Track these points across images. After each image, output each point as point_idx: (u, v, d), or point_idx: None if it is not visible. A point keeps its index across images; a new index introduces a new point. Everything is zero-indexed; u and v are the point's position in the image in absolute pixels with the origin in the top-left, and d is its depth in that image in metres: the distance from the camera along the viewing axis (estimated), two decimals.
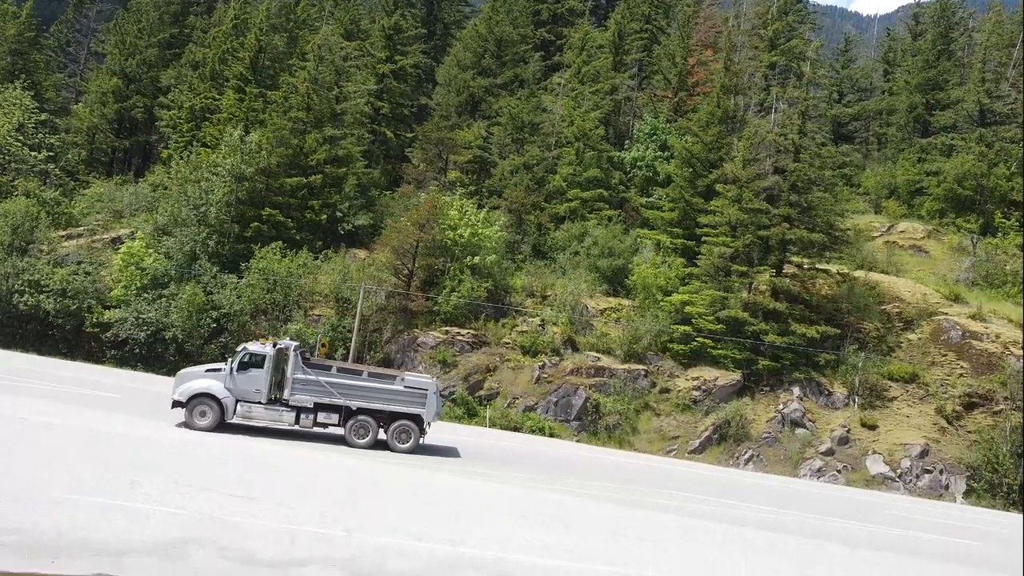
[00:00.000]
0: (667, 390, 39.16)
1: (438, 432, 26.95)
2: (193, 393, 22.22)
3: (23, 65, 58.74)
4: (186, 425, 22.18)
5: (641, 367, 39.84)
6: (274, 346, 23.17)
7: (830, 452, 35.92)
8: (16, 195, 46.82)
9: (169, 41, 66.39)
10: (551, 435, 36.07)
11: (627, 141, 57.61)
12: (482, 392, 38.81)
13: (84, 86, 69.76)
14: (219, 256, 44.22)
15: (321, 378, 22.84)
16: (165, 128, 59.48)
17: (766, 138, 45.23)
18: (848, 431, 36.74)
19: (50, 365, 35.48)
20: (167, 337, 40.32)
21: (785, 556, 17.80)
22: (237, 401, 22.45)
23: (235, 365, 22.60)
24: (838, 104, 68.54)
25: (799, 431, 36.94)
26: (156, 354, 41.08)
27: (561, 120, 55.04)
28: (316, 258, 45.05)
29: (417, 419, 23.31)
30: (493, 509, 17.97)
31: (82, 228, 49.80)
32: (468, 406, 38.06)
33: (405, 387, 23.45)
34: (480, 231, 44.42)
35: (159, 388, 29.07)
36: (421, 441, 23.88)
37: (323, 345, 39.95)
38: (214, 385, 22.32)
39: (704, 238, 43.36)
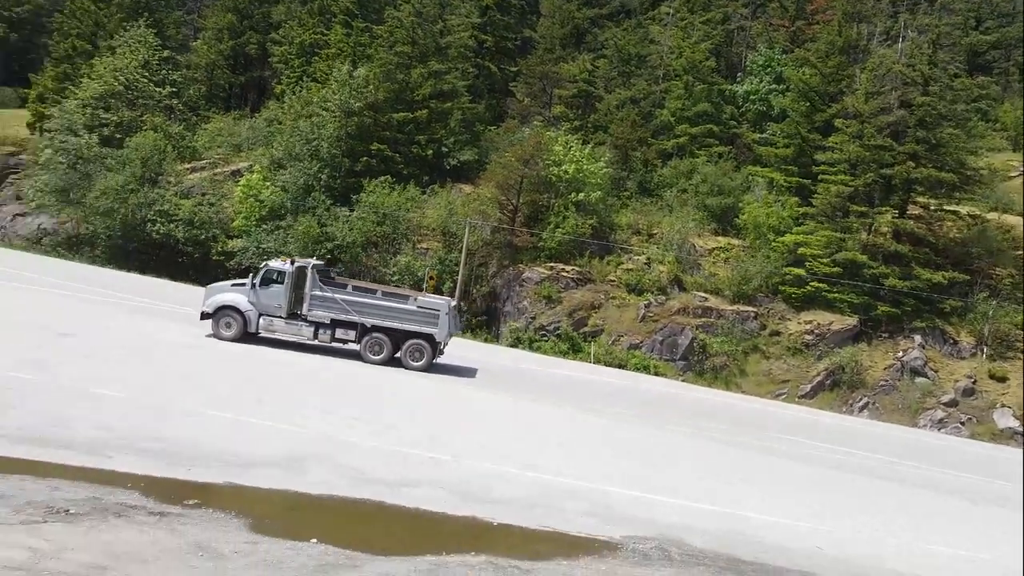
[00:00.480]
0: (777, 333, 38.00)
1: (543, 364, 27.21)
2: (219, 305, 23.21)
3: (146, 3, 61.01)
4: (214, 335, 23.05)
5: (751, 309, 38.74)
6: (293, 263, 23.79)
7: (953, 403, 34.14)
8: (145, 130, 49.25)
9: None
10: (656, 373, 35.80)
11: (739, 74, 54.96)
12: (586, 328, 38.77)
13: (202, 23, 72.01)
14: (331, 189, 45.45)
15: (337, 296, 23.30)
16: (277, 64, 60.87)
17: (892, 69, 42.11)
18: (974, 382, 34.74)
19: (185, 291, 37.67)
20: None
21: (904, 507, 17.17)
22: (260, 315, 23.24)
23: (257, 281, 23.42)
24: (974, 31, 62.95)
25: (919, 380, 35.21)
26: None
27: (669, 52, 52.94)
28: (423, 193, 45.64)
29: (430, 338, 23.33)
30: (598, 443, 18.06)
31: (204, 161, 52.08)
32: (572, 342, 38.17)
33: (418, 307, 23.47)
34: (585, 167, 43.74)
35: None
36: (435, 360, 23.96)
37: (431, 278, 40.78)
38: (238, 299, 23.22)
39: (821, 176, 41.19)
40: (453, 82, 50.29)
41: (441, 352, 24.42)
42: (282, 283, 23.20)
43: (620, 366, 36.27)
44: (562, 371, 30.02)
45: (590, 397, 25.18)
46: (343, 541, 9.26)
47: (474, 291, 41.51)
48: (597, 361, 36.72)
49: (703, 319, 38.13)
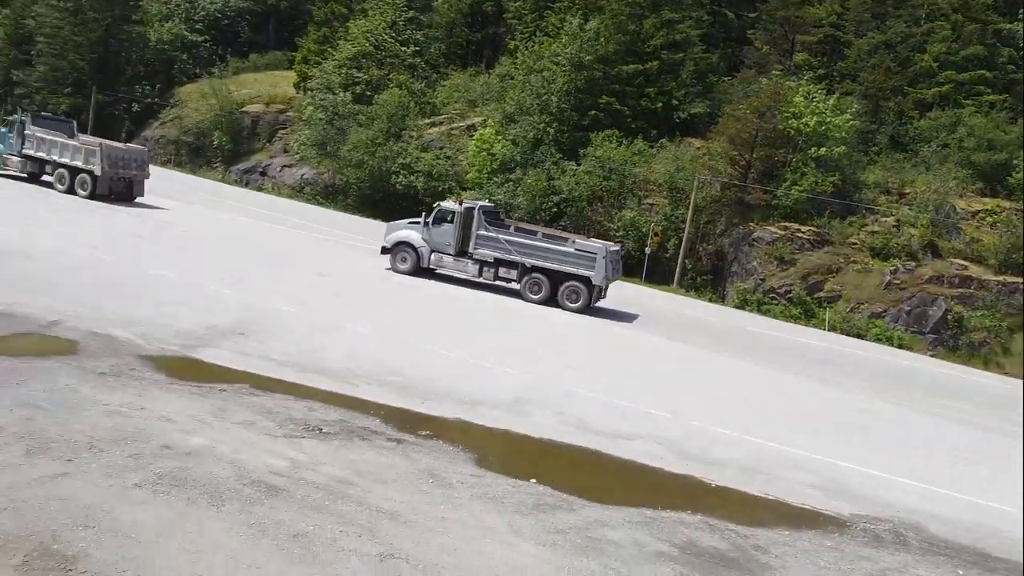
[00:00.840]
0: None
1: (771, 327, 25.93)
2: (396, 241, 25.01)
3: None
4: (392, 269, 24.83)
5: (1020, 280, 34.09)
6: (461, 204, 24.90)
7: None
8: (391, 87, 52.81)
9: None
10: (899, 346, 32.79)
11: (1021, 10, 47.60)
12: (821, 294, 36.31)
13: None
14: (559, 143, 46.05)
15: (501, 236, 23.99)
16: (511, 20, 62.21)
17: None
18: None
19: None
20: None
21: None
22: (432, 251, 24.54)
23: (431, 220, 24.62)
24: None
25: None
26: None
27: None
28: (651, 147, 44.85)
29: (586, 281, 23.47)
30: (828, 413, 16.99)
31: (442, 116, 54.92)
32: (805, 307, 35.97)
33: (576, 250, 23.68)
34: (828, 120, 40.46)
35: None
36: (594, 303, 24.04)
37: (655, 234, 40.22)
38: (413, 236, 24.77)
39: None
40: (686, 31, 48.52)
41: (603, 296, 24.82)
42: (452, 222, 24.35)
43: (859, 336, 33.65)
44: (788, 336, 28.45)
45: (822, 366, 23.68)
46: (560, 484, 9.52)
47: (700, 249, 40.35)
48: (832, 328, 34.33)
49: (960, 289, 34.18)
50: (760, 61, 51.60)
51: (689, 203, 40.14)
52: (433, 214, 24.90)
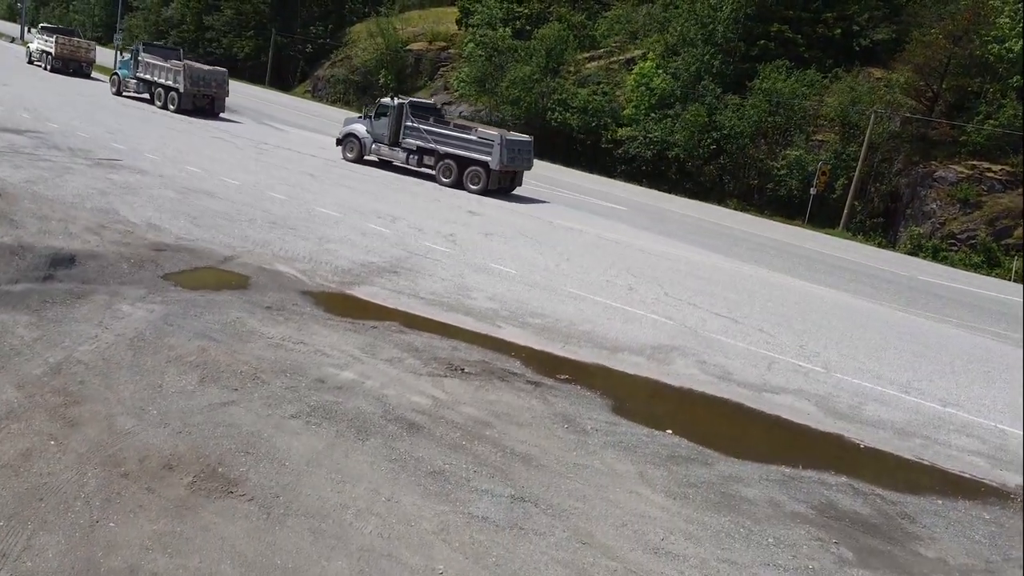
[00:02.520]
0: None
1: (938, 274, 23.86)
2: (346, 133, 29.37)
3: None
4: (342, 158, 28.86)
5: None
6: (394, 99, 28.51)
7: None
8: (550, 21, 52.16)
9: None
10: None
11: None
12: (1010, 240, 33.03)
13: None
14: (723, 76, 43.92)
15: (422, 127, 27.54)
16: None
17: None
18: None
19: (576, 177, 40.28)
20: (670, 156, 42.35)
21: None
22: (373, 141, 28.41)
23: (372, 114, 28.66)
24: None
25: None
26: (659, 171, 43.65)
27: None
28: (824, 78, 41.82)
29: (484, 165, 26.45)
30: (1000, 370, 15.59)
31: (602, 50, 53.74)
32: (989, 254, 32.93)
33: (478, 138, 26.77)
34: None
35: (661, 205, 31.15)
36: (492, 187, 26.84)
37: (823, 174, 37.84)
38: (359, 128, 28.97)
39: None
40: None
41: (517, 183, 28.32)
42: (388, 116, 28.04)
43: None
44: (971, 287, 26.13)
45: (1002, 320, 21.65)
46: (697, 437, 9.43)
47: (872, 190, 37.58)
48: (1020, 279, 31.21)
49: None
50: None
51: (863, 140, 37.28)
52: (375, 109, 28.73)
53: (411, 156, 27.90)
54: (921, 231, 34.87)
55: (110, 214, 14.58)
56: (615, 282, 16.98)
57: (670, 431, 9.45)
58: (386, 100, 29.06)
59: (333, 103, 65.69)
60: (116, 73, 37.53)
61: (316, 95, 68.86)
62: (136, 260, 12.01)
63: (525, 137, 29.50)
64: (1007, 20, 36.77)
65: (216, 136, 29.32)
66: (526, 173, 29.02)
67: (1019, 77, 35.87)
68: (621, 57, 52.15)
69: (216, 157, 23.90)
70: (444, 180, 27.35)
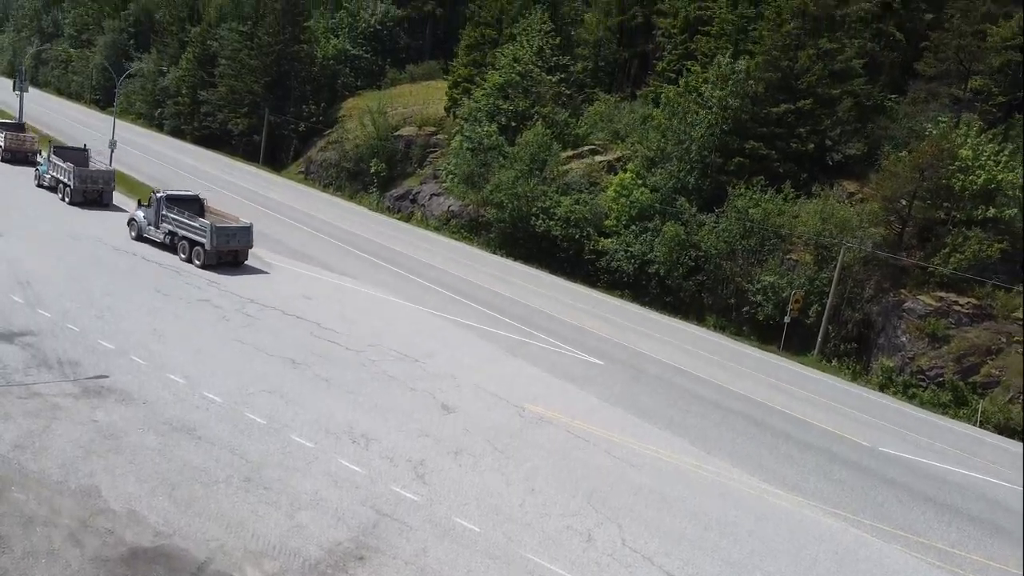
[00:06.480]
0: None
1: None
2: (130, 218, 36.60)
3: None
4: (129, 236, 36.03)
5: None
6: (156, 194, 35.41)
7: None
8: (534, 123, 53.36)
9: None
10: None
11: None
12: (977, 378, 34.06)
13: None
14: (700, 192, 45.17)
15: (170, 215, 34.32)
16: (661, 38, 60.81)
17: None
18: None
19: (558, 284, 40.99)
20: (650, 271, 43.48)
21: None
22: (148, 224, 35.27)
23: (145, 203, 35.92)
24: None
25: None
26: (640, 284, 44.75)
27: None
28: (798, 195, 43.08)
29: (203, 246, 33.12)
30: None
31: (585, 148, 54.99)
32: (957, 393, 33.83)
33: (199, 225, 33.27)
34: (999, 176, 37.18)
35: (640, 348, 31.85)
36: (213, 263, 33.29)
37: (796, 301, 38.93)
38: (139, 214, 35.95)
39: None
40: (845, 62, 45.69)
41: (243, 259, 34.70)
42: (151, 207, 35.14)
43: (1016, 431, 31.34)
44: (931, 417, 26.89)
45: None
46: None
47: (845, 315, 38.67)
48: (985, 421, 32.20)
49: None
50: (930, 91, 47.39)
51: (835, 264, 38.42)
52: (148, 200, 35.62)
53: (166, 236, 34.64)
54: (892, 364, 35.54)
55: (92, 498, 15.45)
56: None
57: None
58: (153, 195, 35.68)
59: (325, 188, 66.95)
60: (37, 168, 45.72)
61: (309, 178, 70.14)
62: None
63: (245, 222, 35.58)
64: (969, 153, 37.99)
65: (203, 299, 30.13)
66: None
67: (983, 209, 37.05)
68: (604, 157, 53.40)
69: (203, 348, 24.49)
70: (181, 256, 33.94)
